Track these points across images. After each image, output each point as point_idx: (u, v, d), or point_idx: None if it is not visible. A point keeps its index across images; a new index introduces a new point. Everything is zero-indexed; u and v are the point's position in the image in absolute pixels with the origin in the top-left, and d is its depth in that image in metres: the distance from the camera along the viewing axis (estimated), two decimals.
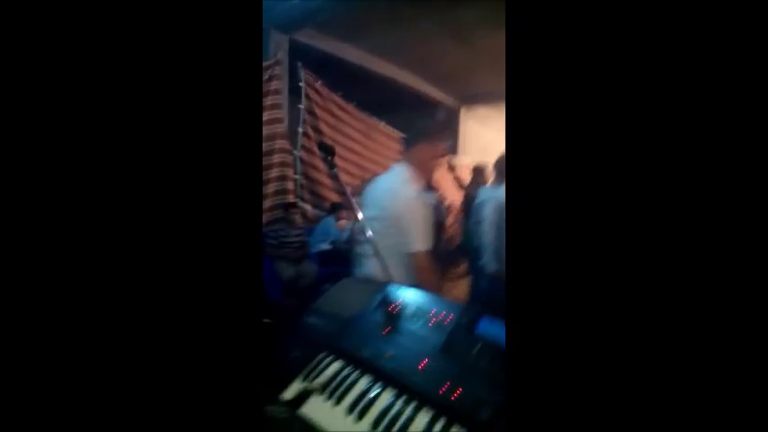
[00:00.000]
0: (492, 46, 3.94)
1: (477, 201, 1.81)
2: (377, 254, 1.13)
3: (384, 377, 0.69)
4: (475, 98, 5.88)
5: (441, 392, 0.63)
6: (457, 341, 0.70)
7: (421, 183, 1.36)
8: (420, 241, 1.25)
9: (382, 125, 4.59)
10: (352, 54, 4.12)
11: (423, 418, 0.62)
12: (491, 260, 1.71)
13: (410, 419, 0.62)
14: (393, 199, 1.29)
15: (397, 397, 0.66)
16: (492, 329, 0.70)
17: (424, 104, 5.77)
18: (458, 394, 0.61)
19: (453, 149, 6.02)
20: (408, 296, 0.84)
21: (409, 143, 1.39)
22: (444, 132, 1.43)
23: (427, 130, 1.42)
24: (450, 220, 3.99)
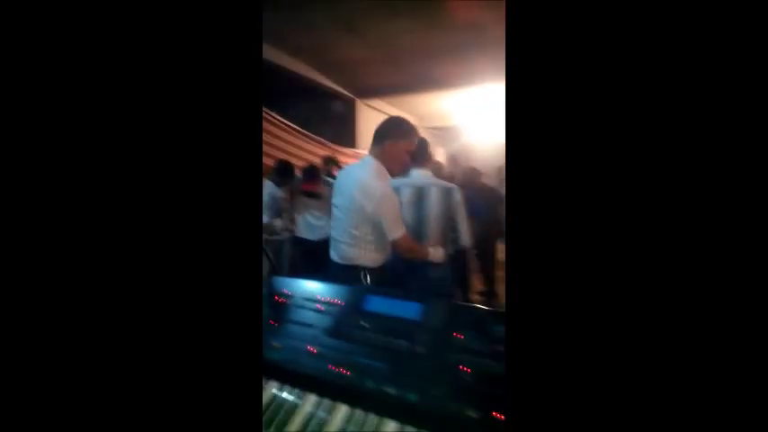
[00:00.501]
0: (384, 38, 4.04)
1: None
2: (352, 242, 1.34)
3: (273, 369, 0.65)
4: (370, 91, 5.98)
5: (331, 372, 0.62)
6: (344, 322, 0.70)
7: (390, 175, 1.45)
8: (397, 229, 1.38)
9: (272, 115, 4.37)
10: None
11: (312, 401, 0.61)
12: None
13: (301, 406, 0.60)
14: (365, 192, 1.36)
15: (291, 386, 0.64)
16: (378, 306, 0.71)
17: (320, 96, 5.68)
18: (345, 372, 0.61)
19: (351, 142, 6.07)
20: (295, 286, 0.81)
21: (379, 139, 1.44)
22: (414, 130, 1.49)
23: (397, 127, 1.47)
24: None
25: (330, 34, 3.93)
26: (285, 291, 0.80)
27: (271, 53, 4.16)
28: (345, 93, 5.96)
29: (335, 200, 1.49)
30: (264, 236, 2.85)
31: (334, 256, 1.48)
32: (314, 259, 2.94)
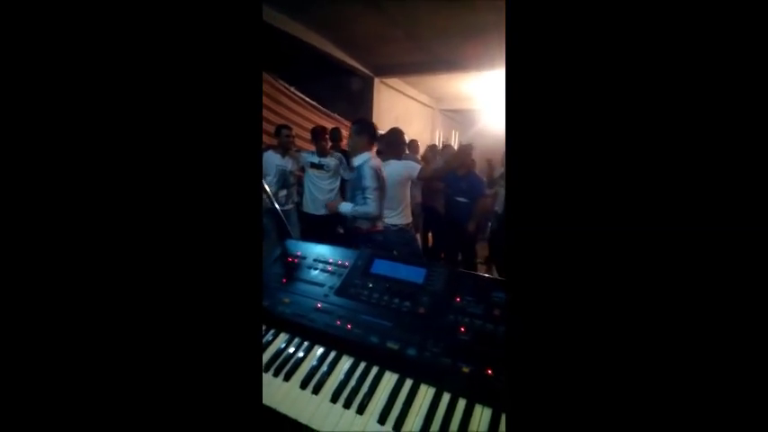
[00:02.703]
0: (405, 14, 3.96)
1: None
2: None
3: (283, 323, 0.71)
4: (388, 69, 5.91)
5: (336, 326, 0.67)
6: (351, 282, 0.74)
7: None
8: None
9: (291, 90, 4.37)
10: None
11: (317, 353, 0.66)
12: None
13: (305, 358, 0.66)
14: None
15: (301, 339, 0.69)
16: (384, 269, 0.75)
17: (337, 72, 5.63)
18: (350, 327, 0.66)
19: None
20: (307, 249, 0.86)
21: None
22: None
23: None
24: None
25: (350, 8, 3.87)
26: (297, 252, 0.85)
27: (288, 25, 4.13)
28: (363, 69, 5.89)
29: None
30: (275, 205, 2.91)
31: None
32: (318, 232, 2.99)
